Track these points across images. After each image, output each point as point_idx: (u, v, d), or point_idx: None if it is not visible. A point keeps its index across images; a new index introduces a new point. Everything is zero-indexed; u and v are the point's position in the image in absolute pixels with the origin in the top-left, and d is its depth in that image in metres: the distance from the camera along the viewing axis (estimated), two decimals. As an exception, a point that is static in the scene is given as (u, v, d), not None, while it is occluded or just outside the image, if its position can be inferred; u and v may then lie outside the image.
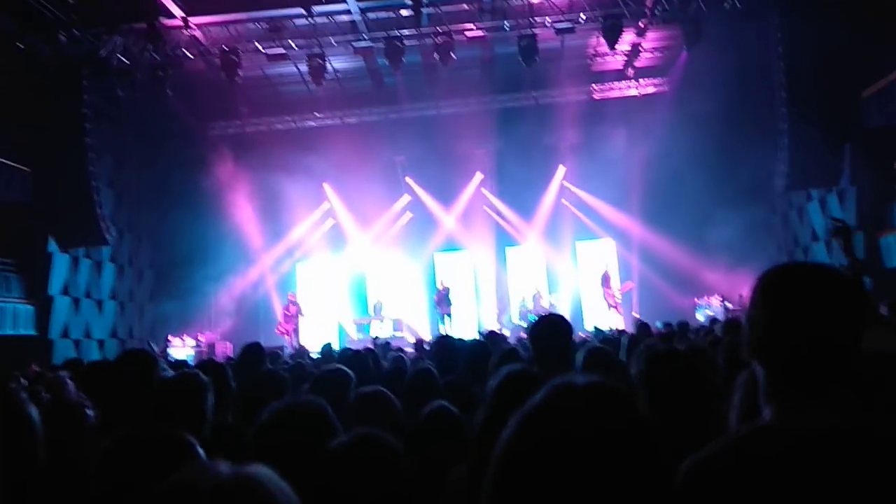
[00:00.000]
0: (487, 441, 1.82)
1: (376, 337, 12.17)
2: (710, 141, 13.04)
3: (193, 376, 2.33)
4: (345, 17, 11.57)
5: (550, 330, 2.70)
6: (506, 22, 11.68)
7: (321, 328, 15.21)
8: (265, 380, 3.17)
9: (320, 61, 11.87)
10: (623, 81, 14.91)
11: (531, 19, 11.56)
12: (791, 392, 1.20)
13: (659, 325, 8.72)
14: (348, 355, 4.59)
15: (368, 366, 3.96)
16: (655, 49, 13.96)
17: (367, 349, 5.30)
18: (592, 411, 0.95)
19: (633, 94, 15.08)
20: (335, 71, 13.17)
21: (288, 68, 13.24)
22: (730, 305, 12.82)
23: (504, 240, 16.42)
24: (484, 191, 16.48)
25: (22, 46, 10.56)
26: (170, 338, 13.81)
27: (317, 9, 11.21)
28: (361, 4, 11.06)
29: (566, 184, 16.25)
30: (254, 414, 1.86)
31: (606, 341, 4.74)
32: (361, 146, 14.77)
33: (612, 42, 11.50)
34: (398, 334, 14.63)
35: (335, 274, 16.39)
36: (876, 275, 10.40)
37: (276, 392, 2.83)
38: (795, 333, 1.19)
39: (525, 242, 16.34)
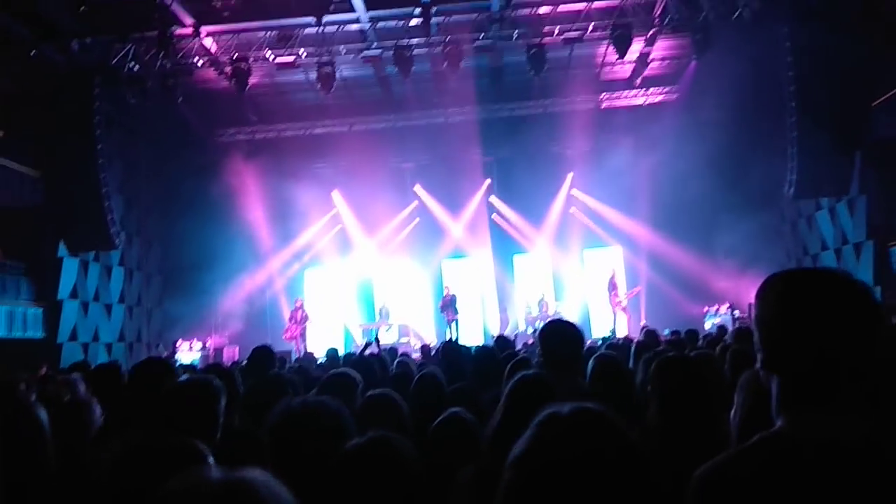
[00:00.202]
0: (500, 445, 1.82)
1: (368, 342, 12.00)
2: (719, 149, 13.01)
3: (207, 382, 2.32)
4: (354, 26, 11.64)
5: (561, 335, 2.69)
6: (514, 31, 11.72)
7: (328, 333, 15.23)
8: (272, 383, 3.17)
9: (329, 69, 11.94)
10: (632, 90, 14.91)
11: (540, 29, 11.59)
12: (805, 401, 1.19)
13: (667, 332, 8.67)
14: (353, 360, 4.59)
15: (374, 371, 3.96)
16: (664, 58, 13.96)
17: (373, 355, 5.30)
18: (580, 442, 0.98)
19: (641, 102, 15.08)
20: (344, 79, 13.25)
21: (297, 76, 13.33)
22: (738, 314, 12.74)
23: (512, 247, 16.41)
24: (492, 199, 16.50)
25: (35, 53, 10.70)
26: (178, 342, 13.86)
27: (326, 18, 11.31)
28: (371, 13, 11.13)
29: (575, 192, 16.24)
30: (260, 417, 1.86)
31: (613, 348, 4.72)
32: (370, 153, 14.82)
33: (622, 51, 11.52)
34: (404, 340, 14.64)
35: (343, 280, 16.42)
36: (886, 285, 10.33)
37: (283, 396, 2.83)
38: (812, 343, 1.18)
39: (533, 250, 16.33)
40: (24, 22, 10.29)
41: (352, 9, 10.83)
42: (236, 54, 11.75)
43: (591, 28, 11.62)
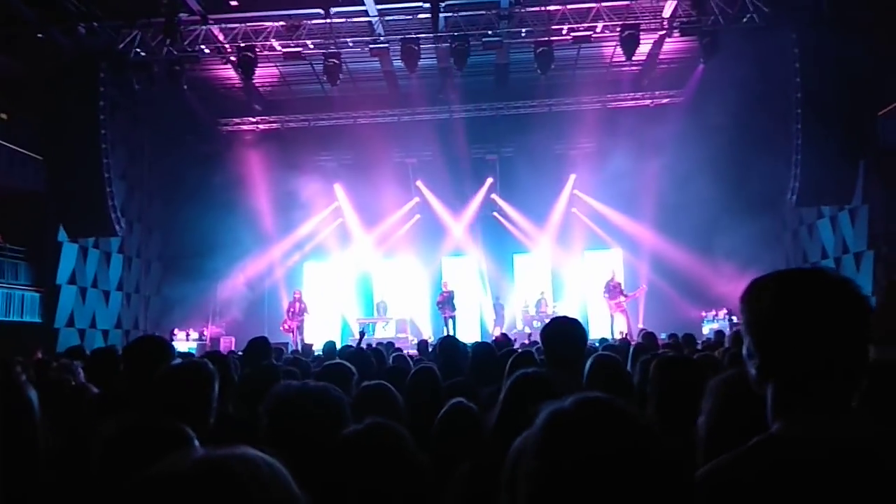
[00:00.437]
0: (498, 440, 1.81)
1: (363, 332, 11.97)
2: (723, 154, 12.99)
3: (201, 365, 2.31)
4: (362, 19, 11.61)
5: (564, 333, 2.66)
6: (523, 29, 11.69)
7: (326, 326, 15.22)
8: (266, 372, 3.15)
9: (336, 61, 11.91)
10: (638, 91, 14.88)
11: (548, 27, 11.57)
12: (803, 404, 1.18)
13: (664, 336, 8.65)
14: (350, 353, 4.57)
15: (371, 364, 3.94)
16: (672, 61, 13.93)
17: (370, 347, 5.28)
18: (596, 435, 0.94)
19: (647, 104, 15.05)
20: (350, 72, 13.22)
21: (303, 67, 13.30)
22: (736, 319, 12.72)
23: (512, 246, 16.39)
24: (494, 196, 16.47)
25: (42, 37, 10.67)
26: (175, 331, 13.85)
27: (334, 9, 11.27)
28: (379, 6, 11.10)
29: (577, 192, 16.22)
30: (254, 405, 1.85)
31: (611, 350, 4.70)
32: (373, 147, 14.81)
33: (630, 52, 11.49)
34: (402, 335, 14.63)
35: (342, 273, 16.41)
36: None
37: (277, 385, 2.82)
38: (811, 344, 1.17)
39: (534, 250, 16.30)
40: (31, 4, 10.26)
41: (360, 1, 10.80)
42: (243, 43, 11.72)
43: (599, 28, 11.59)
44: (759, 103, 12.58)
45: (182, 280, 14.56)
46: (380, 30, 11.74)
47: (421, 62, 11.84)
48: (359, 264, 16.37)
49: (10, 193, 11.61)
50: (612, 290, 14.04)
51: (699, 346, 6.44)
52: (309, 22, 11.69)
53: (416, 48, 11.61)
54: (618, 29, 11.37)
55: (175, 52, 11.67)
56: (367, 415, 1.81)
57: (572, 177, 16.12)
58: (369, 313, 15.69)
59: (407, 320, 15.51)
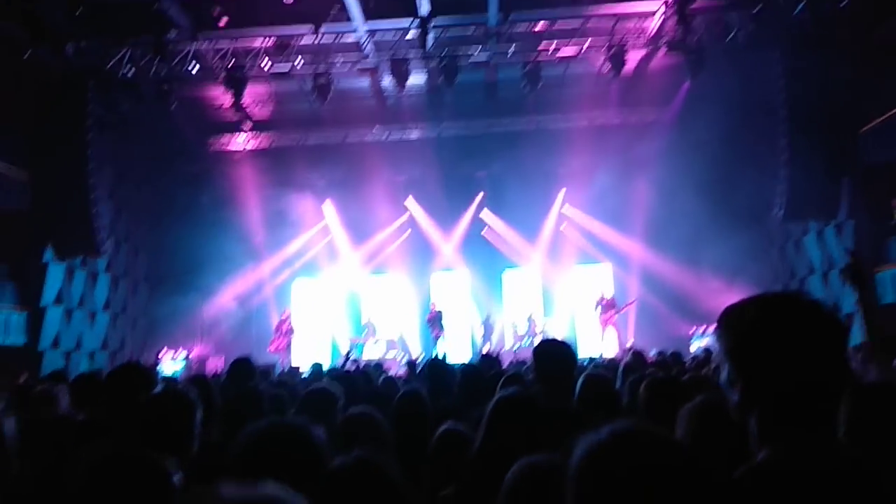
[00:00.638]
0: (482, 464, 1.78)
1: (350, 354, 11.86)
2: (709, 170, 13.11)
3: (182, 394, 2.29)
4: (351, 38, 11.68)
5: (554, 354, 2.68)
6: (511, 47, 11.80)
7: (315, 345, 15.10)
8: (248, 397, 3.10)
9: (325, 80, 11.95)
10: (623, 108, 15.01)
11: (536, 45, 11.68)
12: (788, 428, 1.18)
13: (653, 353, 8.65)
14: (337, 375, 4.52)
15: (359, 386, 3.90)
16: (658, 77, 14.08)
17: (359, 369, 5.22)
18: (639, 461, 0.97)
19: (634, 121, 15.18)
20: (339, 90, 13.26)
21: (293, 85, 13.33)
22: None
23: (502, 263, 16.40)
24: (484, 213, 16.50)
25: (29, 55, 10.62)
26: (161, 352, 13.68)
27: (324, 28, 11.33)
28: (368, 25, 11.17)
29: (567, 208, 16.28)
30: (237, 430, 1.81)
31: (600, 368, 4.67)
32: (363, 165, 14.82)
33: (618, 69, 11.63)
34: (391, 354, 14.54)
35: (331, 291, 16.33)
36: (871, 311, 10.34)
37: (258, 411, 2.77)
38: (793, 368, 1.18)
39: (525, 266, 16.32)
40: (19, 22, 10.23)
41: (349, 19, 10.86)
42: (232, 62, 11.73)
43: (586, 45, 11.72)
44: (744, 119, 12.74)
45: (170, 298, 14.42)
46: (369, 48, 11.81)
47: (410, 81, 11.90)
48: (348, 282, 16.30)
49: (-5, 212, 11.49)
50: (605, 307, 14.10)
51: (687, 364, 6.43)
52: (299, 40, 11.75)
53: (406, 66, 11.69)
54: (604, 47, 11.52)
55: (163, 72, 11.66)
56: (353, 442, 1.78)
57: (562, 192, 16.21)
58: (358, 332, 15.60)
59: (396, 339, 15.43)
